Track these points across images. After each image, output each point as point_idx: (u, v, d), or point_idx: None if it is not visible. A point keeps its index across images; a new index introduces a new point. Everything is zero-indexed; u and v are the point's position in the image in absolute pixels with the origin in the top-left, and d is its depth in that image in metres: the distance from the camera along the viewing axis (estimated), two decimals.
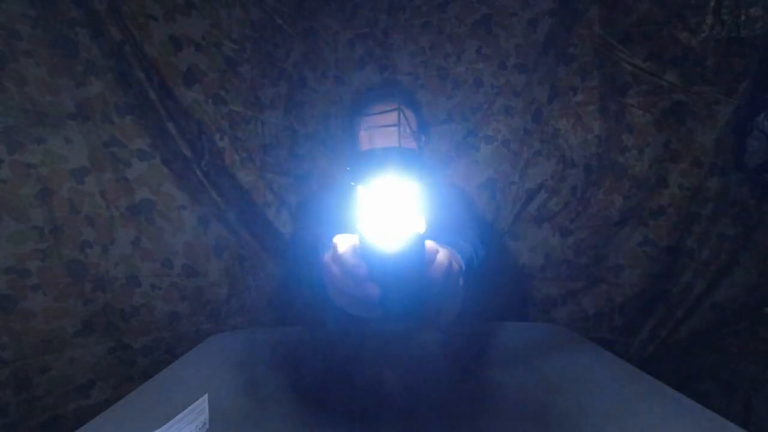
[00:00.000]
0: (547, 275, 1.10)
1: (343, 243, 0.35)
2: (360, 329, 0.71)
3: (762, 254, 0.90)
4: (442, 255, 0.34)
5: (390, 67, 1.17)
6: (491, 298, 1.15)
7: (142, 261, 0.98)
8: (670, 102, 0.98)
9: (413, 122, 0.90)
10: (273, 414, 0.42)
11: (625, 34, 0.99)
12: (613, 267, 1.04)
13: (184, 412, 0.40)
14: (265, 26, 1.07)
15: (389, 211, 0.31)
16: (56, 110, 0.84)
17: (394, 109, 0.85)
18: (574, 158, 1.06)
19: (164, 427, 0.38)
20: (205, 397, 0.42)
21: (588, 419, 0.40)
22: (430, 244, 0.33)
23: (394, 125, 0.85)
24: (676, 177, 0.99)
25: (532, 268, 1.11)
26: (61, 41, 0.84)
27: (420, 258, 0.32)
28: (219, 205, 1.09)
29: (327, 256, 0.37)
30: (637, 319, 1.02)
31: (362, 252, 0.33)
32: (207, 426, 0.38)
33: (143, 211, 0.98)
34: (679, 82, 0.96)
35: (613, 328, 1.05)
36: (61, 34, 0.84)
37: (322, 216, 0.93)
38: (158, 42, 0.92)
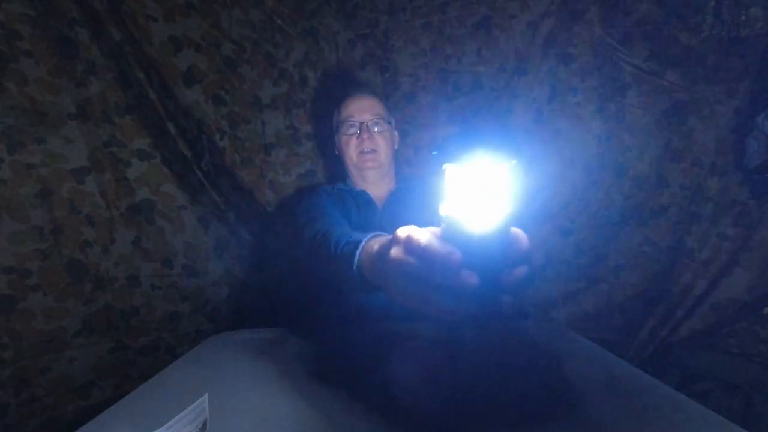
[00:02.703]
0: (547, 275, 1.10)
1: (421, 233, 0.32)
2: (365, 328, 0.71)
3: (762, 254, 0.90)
4: (526, 239, 0.32)
5: (391, 68, 1.17)
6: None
7: (142, 261, 0.98)
8: (670, 102, 0.98)
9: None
10: (273, 414, 0.42)
11: (625, 34, 0.99)
12: (613, 267, 1.04)
13: (184, 412, 0.40)
14: (265, 27, 1.07)
15: (479, 193, 0.30)
16: (56, 110, 0.84)
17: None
18: (574, 158, 1.06)
19: (164, 427, 0.38)
20: (205, 397, 0.42)
21: (588, 419, 0.40)
22: (515, 229, 0.32)
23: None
24: (676, 177, 0.99)
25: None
26: (61, 41, 0.84)
27: (507, 241, 0.31)
28: (219, 205, 1.09)
29: (396, 252, 0.34)
30: (637, 319, 1.02)
31: (452, 237, 0.31)
32: (207, 426, 0.38)
33: (143, 211, 0.98)
34: (680, 82, 0.96)
35: (613, 328, 1.05)
36: (61, 34, 0.84)
37: (324, 214, 0.93)
38: (158, 42, 0.92)
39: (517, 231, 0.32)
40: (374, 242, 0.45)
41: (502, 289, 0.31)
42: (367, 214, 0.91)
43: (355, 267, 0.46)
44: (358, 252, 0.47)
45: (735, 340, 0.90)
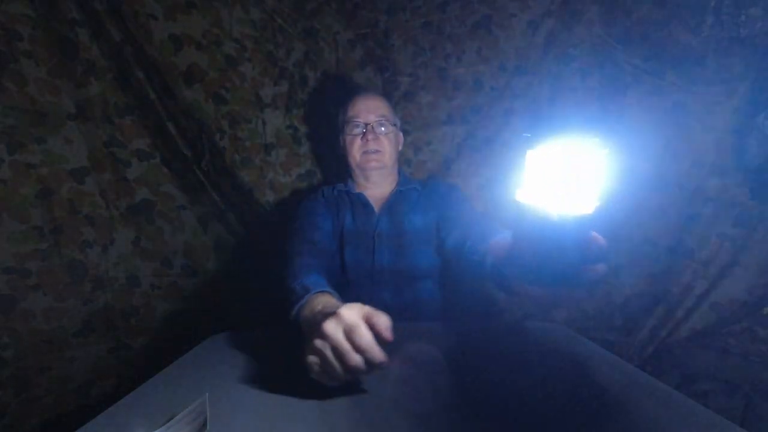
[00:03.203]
0: None
1: (354, 328, 0.41)
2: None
3: (762, 254, 0.90)
4: (603, 238, 0.32)
5: (390, 67, 1.17)
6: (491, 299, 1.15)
7: (142, 261, 0.98)
8: (670, 102, 0.97)
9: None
10: (273, 414, 0.42)
11: (625, 34, 0.99)
12: (613, 267, 1.04)
13: (184, 412, 0.40)
14: (266, 26, 1.07)
15: (564, 178, 0.29)
16: (56, 110, 0.84)
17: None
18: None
19: (164, 427, 0.38)
20: (205, 397, 0.42)
21: (588, 419, 0.40)
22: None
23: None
24: (676, 177, 0.99)
25: None
26: (61, 41, 0.84)
27: (583, 230, 0.30)
28: (219, 205, 1.09)
29: (327, 326, 0.42)
30: (637, 319, 1.02)
31: (522, 223, 0.32)
32: (207, 426, 0.38)
33: (143, 211, 0.98)
34: (680, 82, 0.96)
35: (613, 328, 1.04)
36: (61, 34, 0.84)
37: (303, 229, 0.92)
38: (158, 41, 0.92)
39: (594, 233, 0.32)
40: (318, 302, 0.53)
41: (573, 277, 0.31)
42: (364, 217, 0.91)
43: (293, 313, 0.55)
44: (299, 303, 0.56)
45: (735, 340, 0.90)
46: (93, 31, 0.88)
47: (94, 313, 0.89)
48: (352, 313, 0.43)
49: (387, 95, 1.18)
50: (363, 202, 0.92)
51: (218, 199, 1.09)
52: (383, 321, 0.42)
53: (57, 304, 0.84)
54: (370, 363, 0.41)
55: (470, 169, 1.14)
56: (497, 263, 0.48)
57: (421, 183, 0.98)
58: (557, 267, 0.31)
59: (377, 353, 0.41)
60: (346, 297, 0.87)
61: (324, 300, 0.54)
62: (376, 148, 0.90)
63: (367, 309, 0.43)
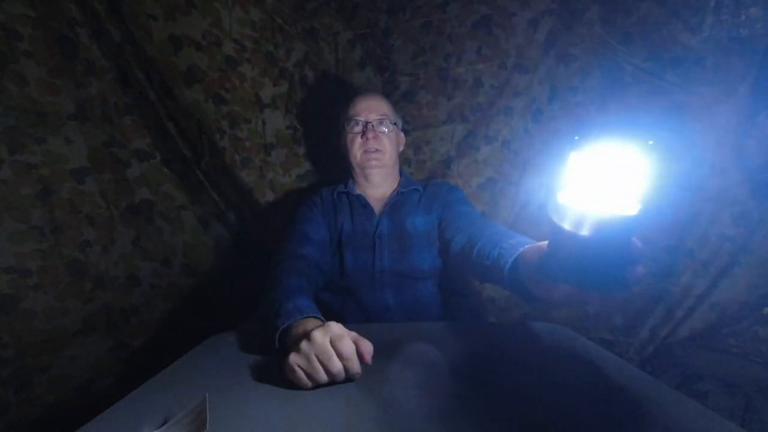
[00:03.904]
0: None
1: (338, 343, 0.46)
2: (365, 328, 0.71)
3: (762, 254, 0.90)
4: (640, 242, 0.33)
5: (390, 67, 1.17)
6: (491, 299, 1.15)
7: (142, 261, 0.98)
8: (670, 102, 0.97)
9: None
10: (273, 414, 0.42)
11: (625, 33, 0.99)
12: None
13: (184, 412, 0.40)
14: (266, 26, 1.07)
15: (608, 181, 0.30)
16: (56, 110, 0.84)
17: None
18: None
19: (164, 427, 0.38)
20: (205, 397, 0.42)
21: (588, 419, 0.40)
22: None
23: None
24: (676, 177, 0.99)
25: None
26: (61, 41, 0.84)
27: (627, 233, 0.31)
28: (219, 205, 1.09)
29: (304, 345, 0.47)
30: (637, 319, 1.02)
31: (561, 227, 0.32)
32: (207, 426, 0.38)
33: (143, 211, 0.98)
34: (680, 82, 0.96)
35: (613, 328, 1.04)
36: (61, 34, 0.84)
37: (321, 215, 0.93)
38: (158, 42, 0.92)
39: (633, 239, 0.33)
40: (309, 323, 0.55)
41: (615, 280, 0.32)
42: (364, 219, 0.90)
43: (282, 328, 0.56)
44: (290, 321, 0.56)
45: (735, 340, 0.90)
46: (93, 31, 0.88)
47: (94, 312, 0.90)
48: (340, 326, 0.50)
49: (387, 95, 1.18)
50: (363, 204, 0.92)
51: (218, 199, 1.08)
52: (367, 346, 0.48)
53: (57, 303, 0.84)
54: (348, 372, 0.47)
55: (470, 168, 1.14)
56: (527, 267, 0.48)
57: (422, 184, 0.98)
58: (600, 269, 0.31)
59: (356, 364, 0.47)
60: (347, 299, 0.88)
61: (314, 323, 0.55)
62: (376, 147, 0.89)
63: (354, 333, 0.50)
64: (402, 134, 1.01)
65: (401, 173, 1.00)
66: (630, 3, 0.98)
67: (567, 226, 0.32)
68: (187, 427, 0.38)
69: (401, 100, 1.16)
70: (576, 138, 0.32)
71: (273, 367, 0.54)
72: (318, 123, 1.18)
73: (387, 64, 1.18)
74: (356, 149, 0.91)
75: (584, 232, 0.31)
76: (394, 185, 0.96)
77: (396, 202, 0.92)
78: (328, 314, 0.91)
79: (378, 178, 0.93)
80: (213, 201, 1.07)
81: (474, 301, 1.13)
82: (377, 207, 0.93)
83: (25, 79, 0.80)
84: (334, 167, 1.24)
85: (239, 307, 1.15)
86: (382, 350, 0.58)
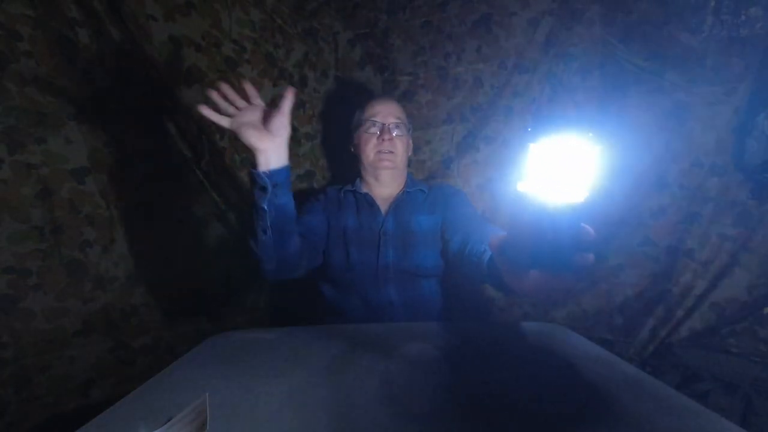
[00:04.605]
0: None
1: None
2: (366, 327, 0.71)
3: (762, 254, 0.90)
4: (592, 230, 0.35)
5: (390, 67, 1.17)
6: (491, 299, 1.15)
7: (142, 261, 0.98)
8: (670, 102, 0.97)
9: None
10: (273, 414, 0.42)
11: (625, 33, 0.99)
12: (613, 267, 1.04)
13: (184, 412, 0.40)
14: (265, 26, 1.07)
15: (561, 171, 0.33)
16: (56, 110, 0.84)
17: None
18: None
19: (164, 427, 0.38)
20: (206, 397, 0.42)
21: (587, 419, 0.40)
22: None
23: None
24: (676, 177, 0.99)
25: None
26: (61, 41, 0.84)
27: (575, 218, 0.33)
28: (219, 205, 1.09)
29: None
30: (637, 319, 1.02)
31: (523, 211, 0.34)
32: (207, 426, 0.38)
33: (143, 211, 0.98)
34: (680, 81, 0.96)
35: (613, 328, 1.05)
36: (61, 34, 0.84)
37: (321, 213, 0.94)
38: (158, 42, 0.92)
39: (585, 225, 0.35)
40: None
41: (565, 262, 0.35)
42: (369, 216, 0.93)
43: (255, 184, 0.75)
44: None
45: (735, 340, 0.90)
46: (93, 30, 0.88)
47: (94, 312, 0.89)
48: None
49: (386, 94, 1.18)
50: (369, 202, 0.94)
51: (218, 199, 1.08)
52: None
53: (57, 303, 0.84)
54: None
55: (470, 168, 1.14)
56: (494, 254, 0.49)
57: (427, 186, 1.01)
58: (551, 251, 0.34)
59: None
60: (352, 293, 0.90)
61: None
62: (390, 149, 0.92)
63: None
64: (411, 141, 1.02)
65: (408, 175, 1.02)
66: (630, 3, 0.98)
67: (523, 212, 0.34)
68: (187, 427, 0.38)
69: (401, 100, 1.16)
70: (529, 130, 0.34)
71: (273, 367, 0.54)
72: (318, 123, 1.18)
73: (387, 63, 1.18)
74: (370, 149, 0.93)
75: (537, 217, 0.33)
76: (401, 186, 0.99)
77: (402, 202, 0.94)
78: (332, 309, 0.93)
79: (387, 179, 0.96)
80: (213, 201, 1.07)
81: (474, 300, 1.13)
82: (383, 206, 0.95)
83: (25, 79, 0.80)
84: (334, 167, 1.24)
85: (239, 307, 1.15)
86: (382, 350, 0.59)
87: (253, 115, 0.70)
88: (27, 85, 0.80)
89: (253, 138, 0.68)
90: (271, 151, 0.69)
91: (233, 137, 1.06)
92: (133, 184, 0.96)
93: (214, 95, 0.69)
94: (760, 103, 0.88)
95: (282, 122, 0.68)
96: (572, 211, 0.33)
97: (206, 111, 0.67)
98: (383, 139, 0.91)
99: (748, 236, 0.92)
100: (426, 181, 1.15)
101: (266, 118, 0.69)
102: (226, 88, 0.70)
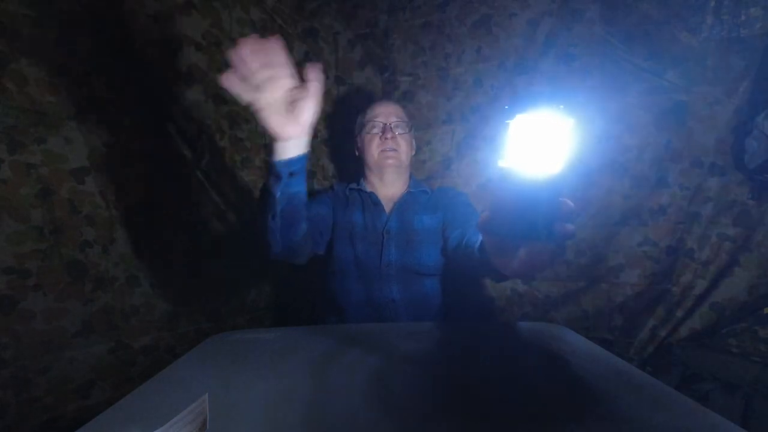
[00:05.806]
0: (547, 275, 1.10)
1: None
2: (366, 327, 0.71)
3: (762, 254, 0.90)
4: (571, 203, 0.36)
5: (390, 67, 1.17)
6: (491, 299, 1.15)
7: (142, 261, 0.98)
8: (670, 102, 0.97)
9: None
10: (273, 414, 0.42)
11: (625, 33, 0.99)
12: (613, 267, 1.04)
13: (184, 412, 0.40)
14: (266, 26, 1.07)
15: (538, 146, 0.34)
16: (56, 110, 0.84)
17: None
18: (573, 158, 1.06)
19: (164, 427, 0.38)
20: (205, 397, 0.42)
21: (587, 419, 0.40)
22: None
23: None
24: (676, 177, 0.99)
25: None
26: (61, 41, 0.84)
27: (553, 189, 0.34)
28: (219, 205, 1.09)
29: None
30: (637, 319, 1.02)
31: (505, 185, 0.36)
32: (207, 426, 0.38)
33: (143, 211, 0.98)
34: (680, 82, 0.96)
35: (613, 328, 1.05)
36: (61, 34, 0.84)
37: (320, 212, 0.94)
38: (158, 41, 0.92)
39: (565, 199, 0.36)
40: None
41: (545, 231, 0.36)
42: (374, 215, 0.94)
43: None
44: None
45: (735, 340, 0.90)
46: (93, 30, 0.88)
47: (94, 313, 0.89)
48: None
49: (387, 95, 1.18)
50: (374, 201, 0.95)
51: (218, 199, 1.08)
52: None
53: (57, 304, 0.84)
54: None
55: (470, 168, 1.14)
56: (482, 234, 0.50)
57: (430, 188, 1.02)
58: (533, 223, 0.35)
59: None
60: (357, 289, 0.90)
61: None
62: (393, 146, 0.93)
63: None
64: (414, 140, 1.02)
65: (410, 176, 1.03)
66: (630, 3, 0.98)
67: (506, 188, 0.36)
68: (187, 427, 0.38)
69: (401, 100, 1.16)
70: (506, 107, 0.35)
71: (273, 367, 0.54)
72: (317, 123, 1.18)
73: (387, 63, 1.18)
74: (374, 148, 0.94)
75: (518, 191, 0.35)
76: (405, 186, 1.00)
77: (405, 201, 0.96)
78: (333, 307, 0.93)
79: (392, 177, 0.97)
80: (213, 201, 1.07)
81: (474, 300, 1.13)
82: (387, 205, 0.96)
83: (25, 79, 0.79)
84: (334, 167, 1.24)
85: (240, 307, 1.15)
86: (382, 349, 0.59)
87: (278, 94, 0.59)
88: (27, 85, 0.80)
89: (276, 124, 0.59)
90: (293, 140, 0.61)
91: (233, 137, 1.07)
92: (133, 184, 0.96)
93: (237, 57, 0.56)
94: (760, 103, 0.88)
95: (309, 106, 0.60)
96: (550, 183, 0.34)
97: (227, 81, 0.57)
98: (386, 138, 0.93)
99: (748, 236, 0.92)
100: (426, 181, 1.16)
101: (291, 101, 0.60)
102: (251, 45, 0.57)
